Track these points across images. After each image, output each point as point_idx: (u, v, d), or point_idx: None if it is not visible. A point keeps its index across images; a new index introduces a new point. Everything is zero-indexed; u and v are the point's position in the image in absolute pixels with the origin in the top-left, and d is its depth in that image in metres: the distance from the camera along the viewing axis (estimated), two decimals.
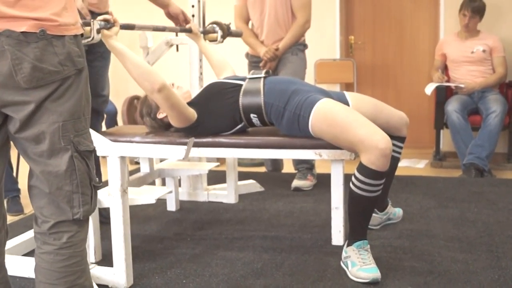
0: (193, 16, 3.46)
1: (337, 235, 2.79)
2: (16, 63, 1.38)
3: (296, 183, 3.95)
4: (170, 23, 3.11)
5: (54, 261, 1.53)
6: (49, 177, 1.51)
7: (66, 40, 1.46)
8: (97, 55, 2.98)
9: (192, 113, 2.64)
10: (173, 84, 2.85)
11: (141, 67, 2.43)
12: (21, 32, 1.37)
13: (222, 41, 3.37)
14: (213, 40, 3.32)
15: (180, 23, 3.12)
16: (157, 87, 2.44)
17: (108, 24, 2.39)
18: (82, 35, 1.56)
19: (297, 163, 4.03)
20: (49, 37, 1.42)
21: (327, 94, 2.68)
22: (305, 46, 4.11)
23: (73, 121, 1.50)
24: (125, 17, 2.84)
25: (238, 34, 3.59)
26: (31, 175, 1.57)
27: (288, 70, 3.90)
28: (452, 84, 4.89)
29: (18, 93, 1.42)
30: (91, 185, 1.57)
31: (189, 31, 3.15)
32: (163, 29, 2.91)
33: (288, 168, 4.51)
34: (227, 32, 3.36)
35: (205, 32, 3.30)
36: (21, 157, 3.69)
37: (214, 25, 3.33)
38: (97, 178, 1.61)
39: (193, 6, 3.50)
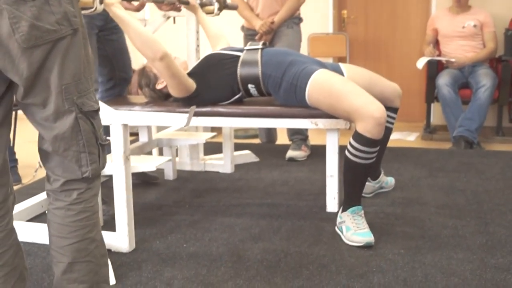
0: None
1: (332, 202, 2.87)
2: (14, 21, 1.38)
3: (290, 153, 4.03)
4: None
5: (65, 216, 1.60)
6: (56, 140, 1.55)
7: (62, 0, 1.47)
8: (112, 30, 3.07)
9: (191, 83, 2.70)
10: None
11: (144, 35, 2.49)
12: None
13: (219, 14, 3.42)
14: (210, 13, 3.37)
15: None
16: (159, 55, 2.50)
17: None
18: None
19: (291, 134, 4.11)
20: None
21: (323, 65, 2.75)
22: (300, 19, 4.17)
23: (74, 83, 1.52)
24: None
25: (234, 7, 3.64)
26: (40, 139, 1.61)
27: (283, 43, 3.96)
28: (443, 59, 4.97)
29: (18, 54, 1.42)
30: (98, 144, 1.61)
31: (186, 3, 3.20)
32: (162, 1, 2.96)
33: (282, 139, 4.58)
34: (223, 5, 3.42)
35: (202, 5, 3.34)
36: (17, 129, 3.75)
37: None
38: (104, 136, 1.65)
39: None
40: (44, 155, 1.62)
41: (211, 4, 3.36)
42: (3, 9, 1.37)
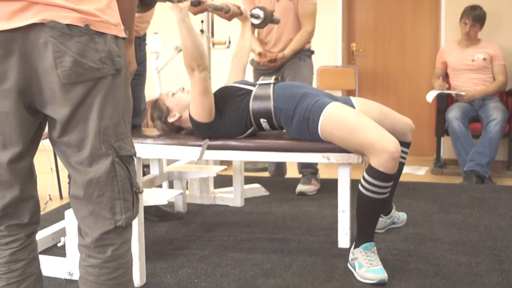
0: (202, 31, 3.52)
1: (344, 238, 2.84)
2: (58, 55, 1.35)
3: (300, 187, 4.01)
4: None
5: (99, 274, 1.53)
6: (90, 185, 1.49)
7: (108, 39, 1.44)
8: (135, 74, 3.08)
9: (213, 110, 2.71)
10: (183, 89, 2.92)
11: (200, 46, 2.58)
12: (66, 24, 1.36)
13: (263, 27, 3.60)
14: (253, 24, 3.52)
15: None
16: (202, 66, 2.58)
17: None
18: (124, 38, 1.53)
19: (302, 167, 4.10)
20: (92, 32, 1.40)
21: (335, 99, 2.75)
22: (311, 52, 4.20)
23: (113, 125, 1.47)
24: None
25: (277, 21, 3.73)
26: (72, 183, 1.54)
27: (296, 75, 3.99)
28: (453, 92, 4.97)
29: (57, 89, 1.39)
30: (133, 191, 1.54)
31: (240, 14, 3.28)
32: (221, 9, 3.09)
33: (291, 173, 4.57)
34: (270, 18, 3.53)
35: (251, 16, 3.46)
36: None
37: (259, 10, 3.49)
38: (138, 184, 1.58)
39: (202, 21, 3.55)
40: (75, 203, 1.55)
41: (258, 17, 3.46)
42: (49, 41, 1.35)
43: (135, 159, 1.58)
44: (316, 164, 4.10)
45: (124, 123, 1.52)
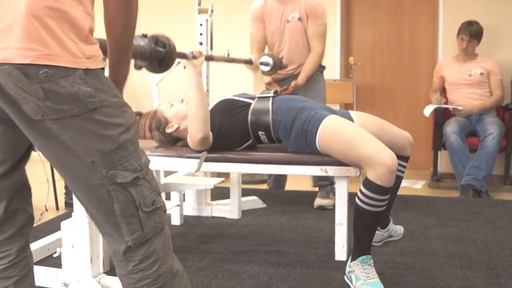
0: (201, 44, 3.55)
1: (341, 251, 2.84)
2: (19, 97, 1.28)
3: (320, 201, 3.96)
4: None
5: (128, 283, 1.53)
6: (92, 214, 1.48)
7: (75, 80, 1.32)
8: None
9: (211, 140, 2.75)
10: (182, 100, 2.94)
11: (204, 110, 2.63)
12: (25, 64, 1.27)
13: (272, 74, 3.80)
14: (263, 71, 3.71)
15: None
16: (202, 135, 2.65)
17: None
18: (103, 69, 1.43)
19: (318, 180, 4.02)
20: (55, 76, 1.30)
21: (333, 112, 2.76)
22: (323, 67, 4.24)
23: (103, 156, 1.38)
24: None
25: (285, 67, 3.92)
26: None
27: (310, 90, 4.03)
28: (450, 106, 4.99)
29: (27, 123, 1.34)
30: (138, 213, 1.45)
31: (250, 62, 3.47)
32: (232, 60, 3.25)
33: (289, 185, 4.57)
34: (278, 66, 3.73)
35: (261, 63, 3.62)
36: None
37: (268, 57, 3.66)
38: (152, 199, 1.48)
39: (201, 34, 3.57)
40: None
41: (267, 64, 3.56)
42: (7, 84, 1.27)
43: (145, 175, 1.47)
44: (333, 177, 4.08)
45: (124, 148, 1.42)
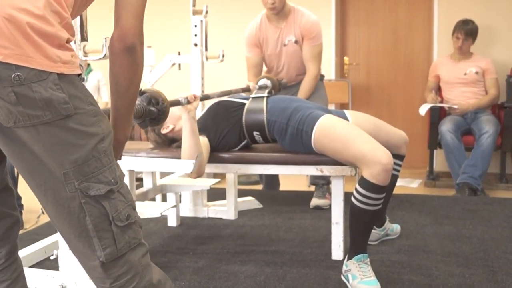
0: (195, 45, 3.55)
1: (337, 250, 2.85)
2: None
3: (316, 201, 3.96)
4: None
5: None
6: (61, 229, 1.41)
7: (49, 84, 1.28)
8: None
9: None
10: None
11: (196, 152, 2.59)
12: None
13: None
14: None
15: None
16: (196, 176, 2.65)
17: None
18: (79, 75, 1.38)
19: (314, 177, 4.03)
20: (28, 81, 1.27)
21: (328, 111, 2.77)
22: (322, 76, 4.27)
23: (76, 167, 1.32)
24: None
25: (285, 86, 3.88)
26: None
27: (313, 94, 4.04)
28: (445, 105, 5.00)
29: (2, 131, 1.31)
30: (111, 228, 1.38)
31: (248, 90, 3.43)
32: (229, 93, 3.17)
33: (285, 186, 4.57)
34: (277, 87, 3.69)
35: (260, 88, 3.54)
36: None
37: (266, 80, 3.61)
38: (127, 214, 1.41)
39: (196, 35, 3.58)
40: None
41: (266, 87, 3.50)
42: None
43: (119, 188, 1.41)
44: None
45: (96, 160, 1.35)
